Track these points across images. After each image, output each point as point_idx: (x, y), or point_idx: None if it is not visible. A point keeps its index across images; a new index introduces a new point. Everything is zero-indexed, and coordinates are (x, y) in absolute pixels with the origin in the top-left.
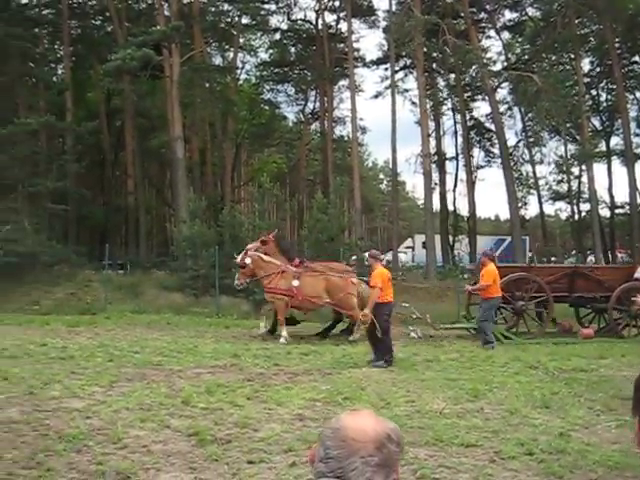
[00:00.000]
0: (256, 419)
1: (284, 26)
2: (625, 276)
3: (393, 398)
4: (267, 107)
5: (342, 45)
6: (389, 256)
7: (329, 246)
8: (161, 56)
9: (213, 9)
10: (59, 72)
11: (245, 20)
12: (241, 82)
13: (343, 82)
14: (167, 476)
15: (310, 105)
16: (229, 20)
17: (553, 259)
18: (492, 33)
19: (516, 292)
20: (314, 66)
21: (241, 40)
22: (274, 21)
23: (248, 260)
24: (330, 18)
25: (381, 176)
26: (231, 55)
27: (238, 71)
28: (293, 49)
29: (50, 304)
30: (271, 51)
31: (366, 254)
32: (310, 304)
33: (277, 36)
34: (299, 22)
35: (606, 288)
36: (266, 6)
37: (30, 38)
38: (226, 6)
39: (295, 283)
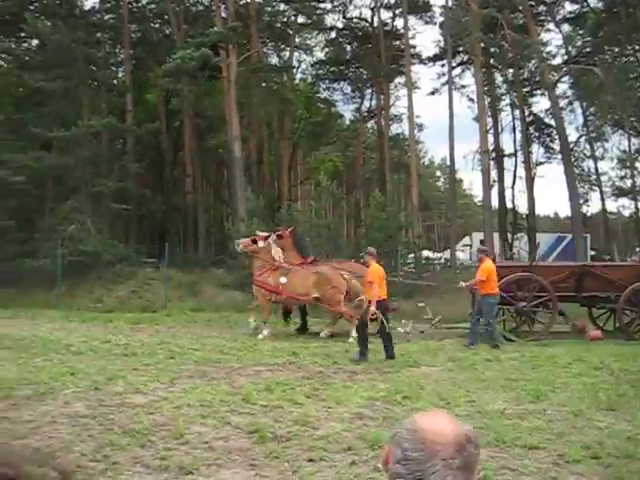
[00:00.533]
0: (315, 417)
1: (340, 24)
2: (633, 275)
3: (453, 398)
4: (323, 106)
5: (398, 42)
6: (447, 254)
7: (387, 244)
8: (219, 57)
9: (269, 9)
10: (120, 75)
11: (301, 19)
12: (297, 81)
13: (399, 79)
14: (228, 472)
15: (366, 103)
16: (285, 20)
17: (607, 257)
18: (552, 26)
19: (518, 292)
20: (370, 64)
21: (297, 39)
22: (330, 20)
23: (261, 244)
24: (386, 15)
25: (438, 173)
26: (287, 54)
27: (294, 70)
28: (349, 47)
29: (112, 302)
30: (327, 50)
31: (424, 252)
32: (295, 301)
33: (333, 35)
34: (355, 20)
35: (617, 287)
36: (322, 5)
37: (93, 43)
38: (282, 6)
39: (282, 280)
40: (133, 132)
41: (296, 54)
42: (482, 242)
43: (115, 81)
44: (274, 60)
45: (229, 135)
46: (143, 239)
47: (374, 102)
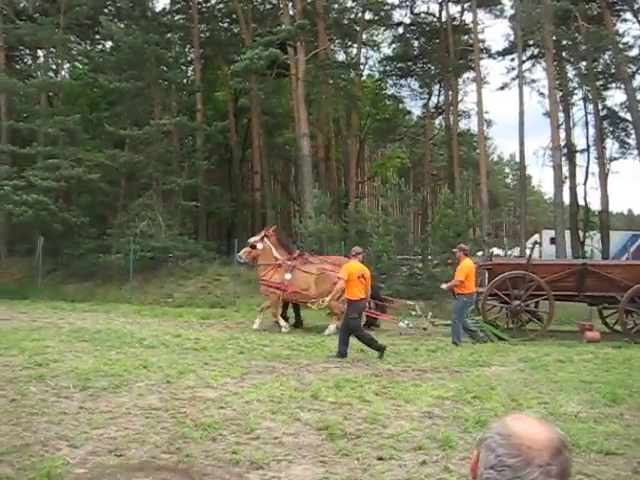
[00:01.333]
0: (385, 415)
1: (407, 20)
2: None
3: (525, 399)
4: (390, 102)
5: (467, 36)
6: (516, 252)
7: (456, 242)
8: (286, 55)
9: (336, 6)
10: (189, 74)
11: (368, 15)
12: (364, 78)
13: (468, 74)
14: (299, 468)
15: (434, 99)
16: (352, 16)
17: None
18: (629, 16)
19: (513, 291)
20: (438, 59)
21: (364, 36)
22: (397, 15)
23: (260, 245)
24: (454, 10)
25: (506, 170)
26: (354, 51)
27: (361, 67)
28: (416, 43)
29: (182, 297)
30: (394, 46)
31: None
32: (301, 297)
33: (400, 30)
34: (422, 15)
35: (622, 287)
36: (389, 1)
37: (164, 43)
38: (349, 3)
39: (287, 277)
40: (203, 130)
41: (363, 50)
42: (462, 242)
43: (185, 80)
44: (341, 57)
45: (297, 132)
46: (212, 235)
47: (442, 98)
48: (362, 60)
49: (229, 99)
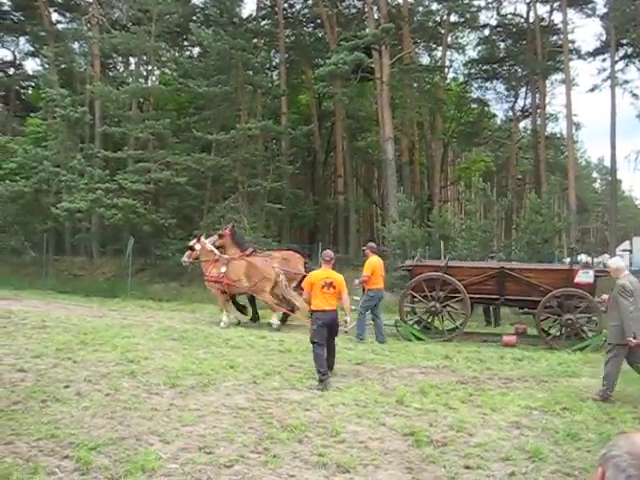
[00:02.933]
0: (471, 423)
1: (493, 22)
2: (563, 280)
3: (618, 413)
4: (475, 105)
5: (555, 37)
6: (604, 259)
7: (543, 248)
8: (371, 58)
9: (421, 9)
10: (274, 78)
11: (453, 18)
12: (449, 81)
13: (556, 76)
14: (385, 474)
15: (520, 102)
16: (437, 19)
17: None
18: None
19: (430, 292)
20: (525, 61)
21: (449, 38)
22: (483, 17)
23: (198, 246)
24: (543, 10)
25: (594, 174)
26: (439, 54)
27: (446, 70)
28: (503, 44)
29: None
30: (479, 48)
31: (581, 257)
32: (234, 288)
33: (486, 32)
34: (509, 16)
35: (541, 292)
36: (475, 2)
37: (250, 48)
38: (435, 5)
39: (222, 270)
40: (288, 134)
41: (448, 53)
42: (370, 240)
43: (270, 84)
44: (425, 60)
45: (381, 136)
46: (295, 238)
47: (528, 101)
48: (447, 63)
49: (313, 102)
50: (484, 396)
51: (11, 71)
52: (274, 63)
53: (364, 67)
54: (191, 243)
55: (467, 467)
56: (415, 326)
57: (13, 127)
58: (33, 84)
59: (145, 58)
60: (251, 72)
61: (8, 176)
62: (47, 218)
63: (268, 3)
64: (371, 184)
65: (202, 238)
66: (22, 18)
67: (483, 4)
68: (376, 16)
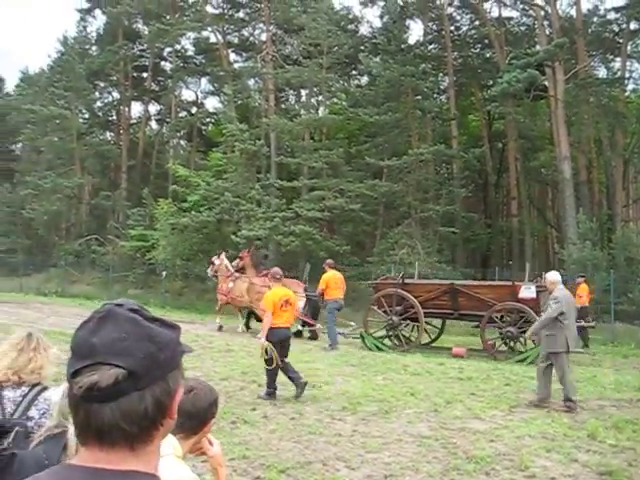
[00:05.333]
0: None
1: None
2: (506, 295)
3: None
4: None
5: None
6: None
7: None
8: (544, 75)
9: (596, 19)
10: (443, 102)
11: (633, 25)
12: (629, 92)
13: None
14: None
15: None
16: (615, 28)
17: None
18: None
19: (389, 307)
20: None
21: (628, 47)
22: None
23: (217, 261)
24: None
25: None
26: (617, 65)
27: (626, 81)
28: None
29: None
30: None
31: None
32: (238, 302)
33: None
34: None
35: (489, 306)
36: None
37: (419, 74)
38: (612, 14)
39: (230, 285)
40: (460, 157)
41: (628, 63)
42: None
43: (439, 108)
44: (602, 72)
45: (557, 155)
46: (468, 262)
47: None
48: (626, 74)
49: (483, 124)
50: None
51: (194, 110)
52: (442, 87)
53: (537, 85)
54: (213, 258)
55: None
56: (382, 339)
57: (195, 161)
58: (213, 121)
59: (316, 90)
60: (420, 97)
61: (193, 208)
62: (227, 246)
63: (435, 28)
64: (545, 205)
65: (222, 255)
66: (203, 61)
67: None
68: (547, 32)
